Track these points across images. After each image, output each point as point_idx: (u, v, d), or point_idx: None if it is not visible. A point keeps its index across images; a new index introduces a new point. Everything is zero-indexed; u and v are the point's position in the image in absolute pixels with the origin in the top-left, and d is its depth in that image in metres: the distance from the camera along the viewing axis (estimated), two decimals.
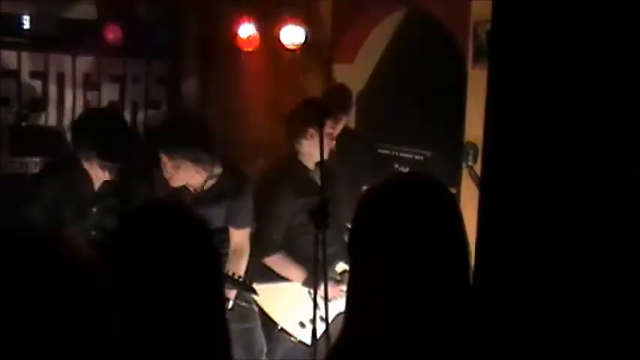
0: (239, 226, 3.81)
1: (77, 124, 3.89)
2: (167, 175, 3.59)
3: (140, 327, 1.49)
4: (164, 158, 3.56)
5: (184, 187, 3.66)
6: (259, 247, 3.91)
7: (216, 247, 1.77)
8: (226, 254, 3.84)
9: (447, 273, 1.65)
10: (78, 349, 0.95)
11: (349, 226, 4.44)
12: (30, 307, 0.94)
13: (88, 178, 3.69)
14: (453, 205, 1.72)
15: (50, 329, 0.94)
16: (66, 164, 3.78)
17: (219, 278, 1.77)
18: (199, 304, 1.68)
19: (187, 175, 3.60)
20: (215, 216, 3.69)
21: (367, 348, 1.59)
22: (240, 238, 3.83)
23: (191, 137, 3.57)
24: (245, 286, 3.63)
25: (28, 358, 0.92)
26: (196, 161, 3.56)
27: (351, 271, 1.74)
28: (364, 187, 5.15)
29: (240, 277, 3.65)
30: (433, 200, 1.71)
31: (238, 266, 3.79)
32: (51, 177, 3.78)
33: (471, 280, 1.70)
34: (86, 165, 3.66)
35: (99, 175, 3.67)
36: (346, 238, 4.19)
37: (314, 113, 3.62)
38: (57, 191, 3.69)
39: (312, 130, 3.80)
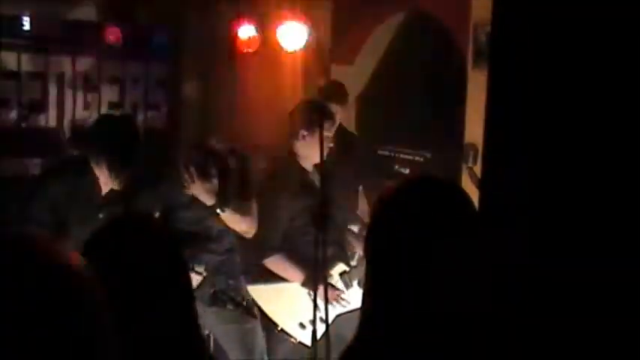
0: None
1: (92, 130, 3.86)
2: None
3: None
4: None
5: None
6: (258, 248, 3.92)
7: (183, 260, 1.79)
8: (225, 252, 3.89)
9: (462, 274, 1.66)
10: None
11: (350, 227, 4.44)
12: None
13: (96, 183, 3.67)
14: (471, 207, 1.72)
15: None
16: (75, 166, 3.76)
17: (187, 290, 1.78)
18: (166, 315, 1.69)
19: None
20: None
21: (383, 348, 1.60)
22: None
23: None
24: (245, 308, 3.70)
25: None
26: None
27: (368, 272, 1.75)
28: (360, 188, 5.18)
29: (242, 298, 3.73)
30: (453, 201, 1.72)
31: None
32: (60, 177, 3.75)
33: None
34: (96, 170, 3.65)
35: (107, 181, 3.67)
36: (343, 239, 4.22)
37: (310, 115, 3.64)
38: (64, 192, 3.66)
39: (304, 132, 3.82)
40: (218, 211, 3.74)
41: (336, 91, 4.95)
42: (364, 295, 1.75)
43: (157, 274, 1.72)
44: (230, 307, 3.77)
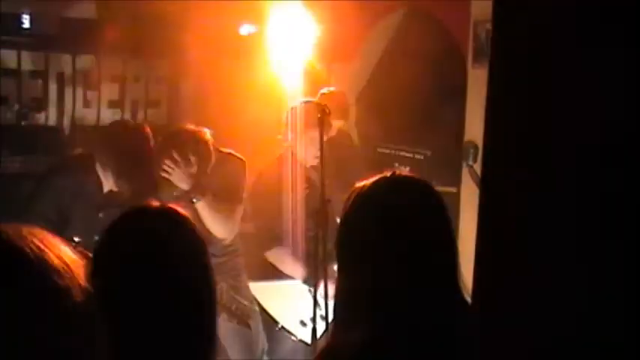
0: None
1: (105, 135, 3.80)
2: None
3: (126, 332, 1.49)
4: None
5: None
6: (260, 241, 3.92)
7: (205, 246, 1.77)
8: (224, 254, 3.87)
9: (434, 272, 1.66)
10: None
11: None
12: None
13: (98, 182, 3.67)
14: (440, 205, 1.73)
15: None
16: (82, 164, 3.76)
17: (209, 277, 1.76)
18: (188, 303, 1.68)
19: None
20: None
21: (356, 349, 1.59)
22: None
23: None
24: (239, 318, 3.68)
25: None
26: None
27: (339, 271, 1.75)
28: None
29: (236, 307, 3.71)
30: (421, 199, 1.72)
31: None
32: (66, 174, 3.74)
33: (459, 279, 1.71)
34: (99, 170, 3.65)
35: (109, 182, 3.67)
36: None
37: (312, 113, 3.64)
38: (70, 189, 3.67)
39: (302, 131, 3.83)
40: (194, 200, 3.59)
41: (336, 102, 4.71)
42: (336, 295, 1.76)
43: (181, 261, 1.70)
44: (224, 315, 3.70)
